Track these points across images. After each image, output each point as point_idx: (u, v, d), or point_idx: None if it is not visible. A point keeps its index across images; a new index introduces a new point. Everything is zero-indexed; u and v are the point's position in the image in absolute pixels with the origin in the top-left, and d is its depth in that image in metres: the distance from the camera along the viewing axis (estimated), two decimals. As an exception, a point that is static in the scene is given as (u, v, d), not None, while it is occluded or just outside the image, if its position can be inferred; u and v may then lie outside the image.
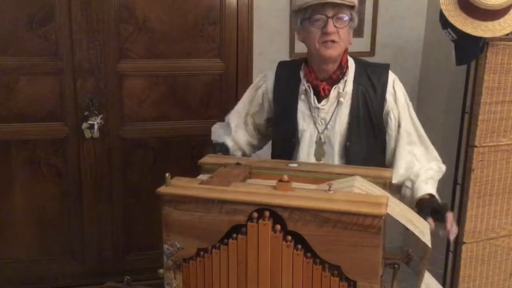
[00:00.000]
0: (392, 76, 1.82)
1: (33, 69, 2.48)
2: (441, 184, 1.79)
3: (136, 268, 2.61)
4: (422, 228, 1.38)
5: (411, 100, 1.76)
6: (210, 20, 2.60)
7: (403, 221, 1.33)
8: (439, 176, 1.81)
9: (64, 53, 2.49)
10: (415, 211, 1.58)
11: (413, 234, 1.35)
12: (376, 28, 3.02)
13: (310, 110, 1.81)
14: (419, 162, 1.79)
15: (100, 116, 2.55)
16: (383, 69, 1.83)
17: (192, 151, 2.71)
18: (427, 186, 1.73)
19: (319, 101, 1.80)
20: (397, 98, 1.80)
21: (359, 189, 1.39)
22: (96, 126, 2.54)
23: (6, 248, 2.65)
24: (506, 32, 2.13)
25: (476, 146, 2.32)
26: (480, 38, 2.15)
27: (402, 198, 1.76)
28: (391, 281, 1.50)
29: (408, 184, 1.77)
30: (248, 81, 2.71)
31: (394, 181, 1.70)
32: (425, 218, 1.53)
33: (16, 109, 2.51)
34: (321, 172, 1.56)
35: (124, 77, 2.58)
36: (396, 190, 1.78)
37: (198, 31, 2.60)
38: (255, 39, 2.71)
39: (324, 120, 1.80)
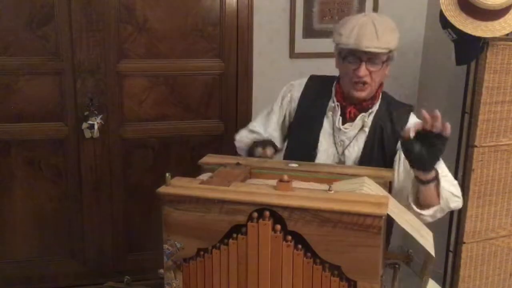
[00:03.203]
0: (413, 120, 1.76)
1: (33, 69, 2.48)
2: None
3: (136, 268, 2.61)
4: (427, 237, 1.38)
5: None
6: (210, 20, 2.60)
7: (408, 228, 1.32)
8: (454, 199, 1.68)
9: (64, 53, 2.49)
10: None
11: (419, 243, 1.35)
12: (376, 28, 3.02)
13: (333, 129, 1.80)
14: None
15: (100, 116, 2.55)
16: (407, 113, 1.80)
17: (192, 151, 2.72)
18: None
19: (344, 123, 1.79)
20: None
21: (367, 191, 1.39)
22: (96, 126, 2.54)
23: (6, 248, 2.65)
24: (506, 32, 2.13)
25: (476, 146, 2.32)
26: (480, 38, 2.15)
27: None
28: (391, 281, 1.50)
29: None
30: (248, 81, 2.71)
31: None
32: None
33: (16, 109, 2.51)
34: (321, 172, 1.56)
35: (124, 77, 2.58)
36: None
37: (198, 31, 2.60)
38: (255, 39, 2.71)
39: (343, 142, 1.79)
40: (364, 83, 1.69)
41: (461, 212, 2.40)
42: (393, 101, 1.84)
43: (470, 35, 2.11)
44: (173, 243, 1.35)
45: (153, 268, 1.50)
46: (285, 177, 1.35)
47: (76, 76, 2.52)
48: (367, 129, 1.77)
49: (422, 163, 1.53)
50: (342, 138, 1.79)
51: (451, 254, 2.53)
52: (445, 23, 2.19)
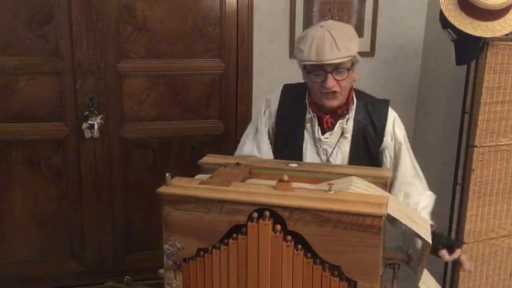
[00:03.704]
0: (392, 115, 1.82)
1: (33, 69, 2.48)
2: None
3: (136, 268, 2.61)
4: (422, 224, 1.38)
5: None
6: (210, 20, 2.60)
7: (401, 218, 1.33)
8: (432, 203, 1.83)
9: (64, 53, 2.49)
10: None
11: (418, 234, 1.35)
12: (376, 28, 3.02)
13: (314, 140, 1.82)
14: (417, 192, 1.80)
15: (100, 116, 2.55)
16: (383, 106, 1.83)
17: (192, 151, 2.71)
18: (426, 210, 1.77)
19: (323, 132, 1.80)
20: (396, 137, 1.82)
21: (356, 190, 1.39)
22: (96, 126, 2.54)
23: (6, 248, 2.65)
24: (506, 32, 2.13)
25: (476, 146, 2.32)
26: (480, 38, 2.15)
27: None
28: (391, 281, 1.50)
29: None
30: (248, 81, 2.71)
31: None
32: (439, 250, 1.60)
33: (16, 109, 2.51)
34: (321, 172, 1.56)
35: (124, 77, 2.58)
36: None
37: (198, 31, 2.60)
38: (255, 39, 2.71)
39: (326, 151, 1.81)
40: (334, 92, 1.70)
41: (461, 212, 2.40)
42: (368, 100, 1.85)
43: (470, 35, 2.11)
44: (173, 243, 1.36)
45: (153, 268, 1.50)
46: (285, 177, 1.35)
47: (76, 76, 2.52)
48: (348, 135, 1.79)
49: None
50: (324, 147, 1.81)
51: (451, 254, 2.53)
52: (445, 23, 2.19)
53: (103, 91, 2.56)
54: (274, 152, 1.91)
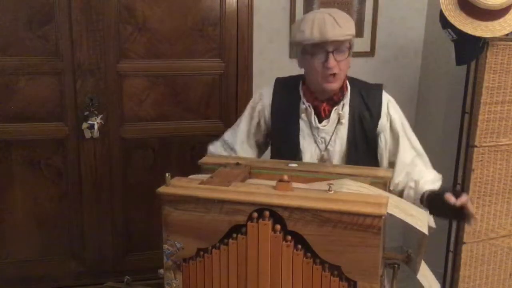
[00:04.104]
0: (386, 98, 1.84)
1: (33, 69, 2.48)
2: (441, 184, 1.78)
3: (136, 268, 2.61)
4: (418, 216, 1.37)
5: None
6: (210, 20, 2.60)
7: (396, 213, 1.32)
8: (440, 182, 1.80)
9: (64, 53, 2.49)
10: (422, 206, 1.59)
11: (414, 227, 1.35)
12: (376, 28, 3.02)
13: (311, 129, 1.82)
14: (420, 170, 1.78)
15: (100, 116, 2.55)
16: (377, 91, 1.84)
17: (192, 151, 2.71)
18: (432, 185, 1.73)
19: (320, 121, 1.81)
20: (392, 120, 1.82)
21: (349, 191, 1.39)
22: (96, 126, 2.54)
23: (6, 248, 2.65)
24: (506, 32, 2.13)
25: (476, 146, 2.32)
26: (480, 38, 2.15)
27: (405, 199, 1.74)
28: (391, 281, 1.50)
29: (411, 184, 1.76)
30: (248, 81, 2.71)
31: (392, 188, 1.72)
32: (442, 195, 1.56)
33: (16, 109, 2.51)
34: (321, 172, 1.56)
35: (124, 77, 2.58)
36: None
37: (198, 31, 2.60)
38: (255, 39, 2.71)
39: (324, 139, 1.82)
40: (334, 74, 1.71)
41: (461, 212, 2.40)
42: (362, 85, 1.87)
43: (470, 35, 2.11)
44: (173, 243, 1.36)
45: (153, 268, 1.50)
46: (285, 177, 1.35)
47: (76, 76, 2.52)
48: (344, 121, 1.80)
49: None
50: (322, 136, 1.82)
51: (451, 254, 2.53)
52: (445, 23, 2.19)
53: (103, 91, 2.56)
54: (272, 146, 1.95)
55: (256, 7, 2.69)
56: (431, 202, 1.65)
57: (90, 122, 2.54)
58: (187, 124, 2.70)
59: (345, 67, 1.75)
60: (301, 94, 1.84)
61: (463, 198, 1.56)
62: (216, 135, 2.72)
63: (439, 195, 1.60)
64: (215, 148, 1.98)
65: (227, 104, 2.72)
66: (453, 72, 2.76)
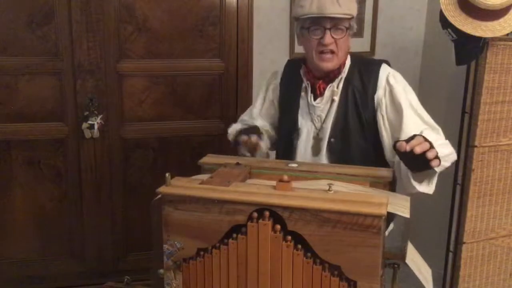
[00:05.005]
0: (384, 72, 1.77)
1: (33, 69, 2.48)
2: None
3: (136, 268, 2.61)
4: (400, 202, 1.37)
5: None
6: (210, 20, 2.60)
7: (411, 265, 1.33)
8: (450, 150, 1.66)
9: (64, 53, 2.49)
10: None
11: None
12: (376, 28, 3.02)
13: (308, 107, 1.84)
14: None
15: (100, 116, 2.55)
16: (376, 66, 1.80)
17: (192, 151, 2.71)
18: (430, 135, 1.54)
19: (315, 98, 1.82)
20: (392, 91, 1.74)
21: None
22: (96, 126, 2.54)
23: (6, 248, 2.65)
24: (506, 32, 2.13)
25: (476, 146, 2.32)
26: (480, 38, 2.15)
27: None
28: (391, 281, 1.50)
29: None
30: (248, 81, 2.71)
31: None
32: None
33: (16, 109, 2.51)
34: (321, 172, 1.56)
35: (124, 77, 2.58)
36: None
37: (198, 31, 2.60)
38: (255, 39, 2.71)
39: (320, 118, 1.83)
40: (331, 52, 1.71)
41: (461, 212, 2.40)
42: (364, 61, 1.84)
43: (470, 35, 2.11)
44: (173, 243, 1.35)
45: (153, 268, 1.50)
46: (285, 177, 1.35)
47: (76, 76, 2.52)
48: (336, 98, 1.78)
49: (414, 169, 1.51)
50: (318, 114, 1.83)
51: (451, 254, 2.53)
52: (445, 23, 2.19)
53: (103, 91, 2.56)
54: (278, 124, 1.97)
55: (256, 7, 2.69)
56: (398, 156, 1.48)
57: (90, 122, 2.54)
58: (187, 124, 2.70)
59: (344, 46, 1.73)
60: (302, 73, 1.85)
61: (413, 142, 1.38)
62: (216, 135, 2.74)
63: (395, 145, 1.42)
64: (232, 129, 1.96)
65: (227, 104, 2.72)
66: (453, 72, 2.76)
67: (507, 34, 2.17)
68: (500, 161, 2.39)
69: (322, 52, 1.72)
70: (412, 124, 1.68)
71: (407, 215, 1.33)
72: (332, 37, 1.70)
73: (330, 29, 1.69)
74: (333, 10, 1.65)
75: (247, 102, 2.73)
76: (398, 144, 1.39)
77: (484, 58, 2.24)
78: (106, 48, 2.52)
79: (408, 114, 1.71)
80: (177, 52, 2.61)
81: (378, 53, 3.06)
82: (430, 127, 1.72)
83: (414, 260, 1.43)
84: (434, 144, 1.43)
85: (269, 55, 2.87)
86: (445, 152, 1.60)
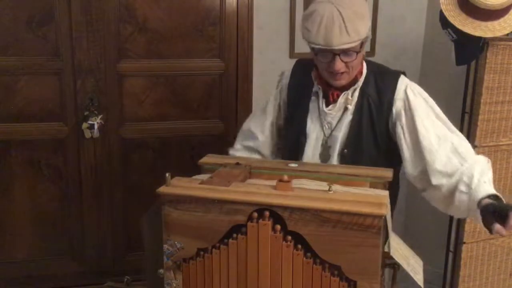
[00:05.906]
0: (404, 83, 1.72)
1: (33, 69, 2.48)
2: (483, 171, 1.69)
3: (136, 268, 2.60)
4: (415, 266, 1.38)
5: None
6: (210, 20, 2.60)
7: (397, 257, 1.33)
8: (489, 168, 1.61)
9: (64, 53, 2.49)
10: (479, 215, 1.46)
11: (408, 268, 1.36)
12: (376, 28, 3.02)
13: (319, 113, 1.78)
14: (460, 157, 1.61)
15: (100, 116, 2.55)
16: (394, 78, 1.73)
17: (192, 151, 2.71)
18: (487, 186, 1.53)
19: (327, 105, 1.76)
20: (410, 103, 1.69)
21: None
22: (96, 126, 2.54)
23: (6, 248, 2.65)
24: (506, 32, 2.13)
25: (476, 146, 2.32)
26: (480, 38, 2.15)
27: (458, 204, 1.59)
28: (391, 281, 1.50)
29: (463, 188, 1.57)
30: (248, 81, 2.71)
31: (435, 182, 1.60)
32: (491, 223, 1.38)
33: (16, 109, 2.51)
34: (321, 172, 1.56)
35: (124, 77, 2.58)
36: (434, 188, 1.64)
37: (198, 31, 2.60)
38: (255, 39, 2.71)
39: (330, 124, 1.76)
40: (342, 73, 1.64)
41: (461, 212, 2.40)
42: (380, 70, 1.77)
43: (470, 35, 2.11)
44: (173, 243, 1.36)
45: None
46: (285, 177, 1.35)
47: (76, 76, 2.52)
48: (350, 106, 1.72)
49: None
50: (328, 120, 1.76)
51: (451, 254, 2.53)
52: (445, 23, 2.19)
53: (103, 91, 2.56)
54: (283, 126, 1.90)
55: (256, 7, 2.69)
56: (489, 212, 1.43)
57: (90, 122, 2.54)
58: (187, 124, 2.70)
59: (356, 64, 1.66)
60: (312, 76, 1.78)
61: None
62: (216, 135, 2.74)
63: (502, 211, 1.39)
64: (236, 152, 1.93)
65: (227, 104, 2.72)
66: (453, 72, 2.76)
67: (507, 34, 2.17)
68: (500, 161, 2.39)
69: (333, 73, 1.65)
70: (431, 140, 1.65)
71: (421, 284, 1.34)
72: (343, 61, 1.61)
73: (339, 54, 1.59)
74: (341, 40, 1.55)
75: (247, 102, 2.73)
76: (497, 228, 1.36)
77: (484, 58, 2.24)
78: (106, 48, 2.52)
79: (434, 125, 1.69)
80: (177, 52, 2.60)
81: (378, 53, 3.05)
82: (457, 136, 1.70)
83: (401, 252, 1.41)
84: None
85: (269, 55, 2.87)
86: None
